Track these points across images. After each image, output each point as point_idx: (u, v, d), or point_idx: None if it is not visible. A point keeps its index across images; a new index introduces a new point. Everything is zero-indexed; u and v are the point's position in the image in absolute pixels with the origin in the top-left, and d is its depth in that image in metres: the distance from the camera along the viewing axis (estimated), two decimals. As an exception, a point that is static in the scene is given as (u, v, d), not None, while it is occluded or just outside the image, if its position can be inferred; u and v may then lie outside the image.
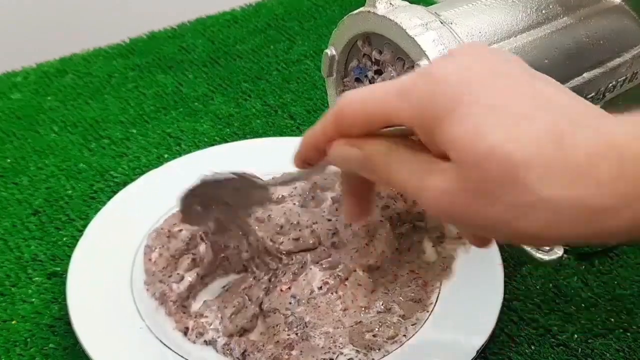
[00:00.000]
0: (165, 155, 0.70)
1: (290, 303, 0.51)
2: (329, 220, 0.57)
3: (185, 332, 0.51)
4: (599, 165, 0.30)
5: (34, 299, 0.56)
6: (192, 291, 0.53)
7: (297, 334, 0.50)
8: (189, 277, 0.53)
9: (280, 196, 0.59)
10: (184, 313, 0.51)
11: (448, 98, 0.32)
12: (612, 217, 0.30)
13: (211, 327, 0.50)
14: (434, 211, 0.33)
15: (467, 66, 0.33)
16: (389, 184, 0.36)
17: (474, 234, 0.38)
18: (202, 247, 0.54)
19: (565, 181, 0.30)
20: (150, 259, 0.55)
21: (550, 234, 0.31)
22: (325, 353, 0.49)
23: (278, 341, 0.49)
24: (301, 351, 0.49)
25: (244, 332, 0.51)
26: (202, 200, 0.51)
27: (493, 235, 0.35)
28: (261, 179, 0.49)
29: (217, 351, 0.49)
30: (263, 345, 0.49)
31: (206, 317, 0.51)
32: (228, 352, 0.49)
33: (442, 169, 0.32)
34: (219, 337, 0.50)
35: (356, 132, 0.36)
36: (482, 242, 0.39)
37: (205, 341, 0.50)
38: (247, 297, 0.52)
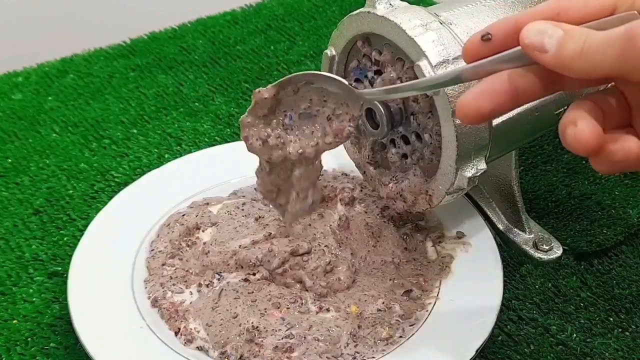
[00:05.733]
0: (166, 155, 0.70)
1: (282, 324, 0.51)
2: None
3: (176, 332, 0.51)
4: None
5: (35, 299, 0.56)
6: (182, 305, 0.52)
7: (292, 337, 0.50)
8: (189, 297, 0.53)
9: None
10: (177, 317, 0.51)
11: None
12: None
13: (199, 334, 0.50)
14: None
15: None
16: (573, 68, 0.35)
17: None
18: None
19: None
20: (164, 264, 0.55)
21: None
22: (326, 354, 0.49)
23: (277, 346, 0.49)
24: (304, 353, 0.49)
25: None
26: None
27: None
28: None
29: (213, 359, 0.49)
30: (259, 350, 0.49)
31: (194, 325, 0.51)
32: (225, 359, 0.49)
33: None
34: (209, 347, 0.50)
35: (573, 15, 0.36)
36: None
37: (197, 347, 0.50)
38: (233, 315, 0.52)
